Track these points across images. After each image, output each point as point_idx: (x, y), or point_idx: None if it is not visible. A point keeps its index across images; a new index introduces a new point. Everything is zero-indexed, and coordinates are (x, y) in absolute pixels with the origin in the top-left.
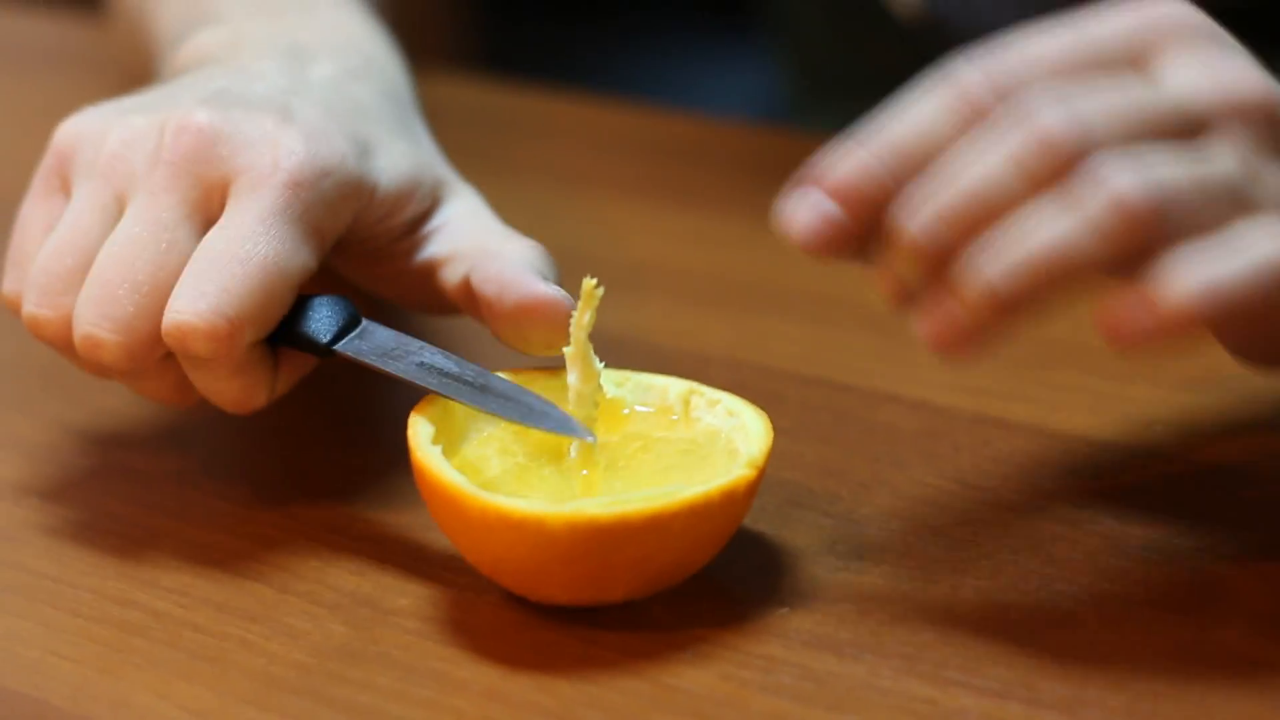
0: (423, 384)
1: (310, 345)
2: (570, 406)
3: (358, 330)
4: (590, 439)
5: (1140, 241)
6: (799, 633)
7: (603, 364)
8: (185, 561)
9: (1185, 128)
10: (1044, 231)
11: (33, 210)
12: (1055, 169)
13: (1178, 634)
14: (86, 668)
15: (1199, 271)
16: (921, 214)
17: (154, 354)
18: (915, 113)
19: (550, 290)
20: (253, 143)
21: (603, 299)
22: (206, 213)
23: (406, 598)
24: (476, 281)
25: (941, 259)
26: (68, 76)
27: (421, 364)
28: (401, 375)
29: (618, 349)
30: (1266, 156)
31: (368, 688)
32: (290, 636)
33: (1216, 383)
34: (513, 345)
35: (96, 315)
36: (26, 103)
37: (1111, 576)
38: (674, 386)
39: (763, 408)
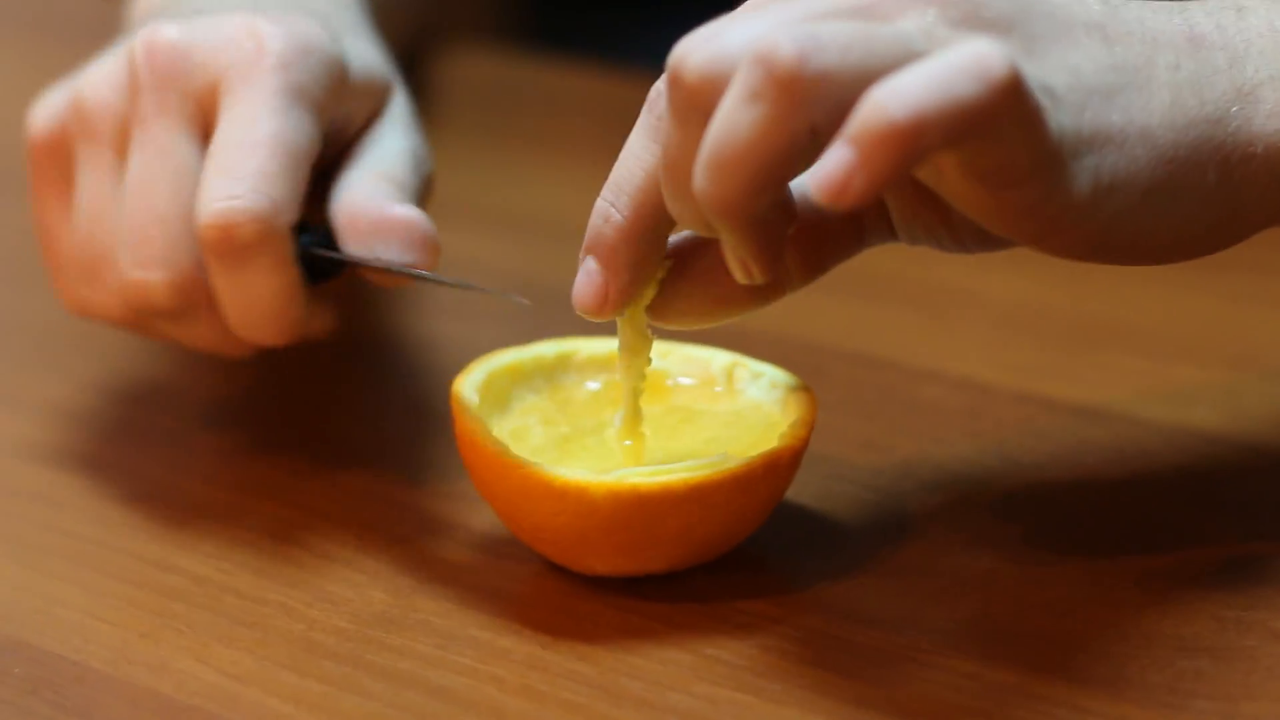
0: (403, 272)
1: None
2: (619, 376)
3: (318, 231)
4: (523, 302)
5: (804, 96)
6: (841, 606)
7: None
8: (226, 527)
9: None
10: (713, 128)
11: (46, 212)
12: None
13: (1220, 612)
14: (127, 631)
15: (871, 92)
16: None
17: (201, 284)
18: (627, 148)
19: (406, 210)
20: (230, 39)
21: None
22: (204, 123)
23: (447, 565)
24: (331, 214)
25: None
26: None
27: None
28: (382, 267)
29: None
30: (956, 28)
31: (407, 654)
32: (330, 603)
33: (1260, 363)
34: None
35: (134, 261)
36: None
37: (1154, 555)
38: (718, 359)
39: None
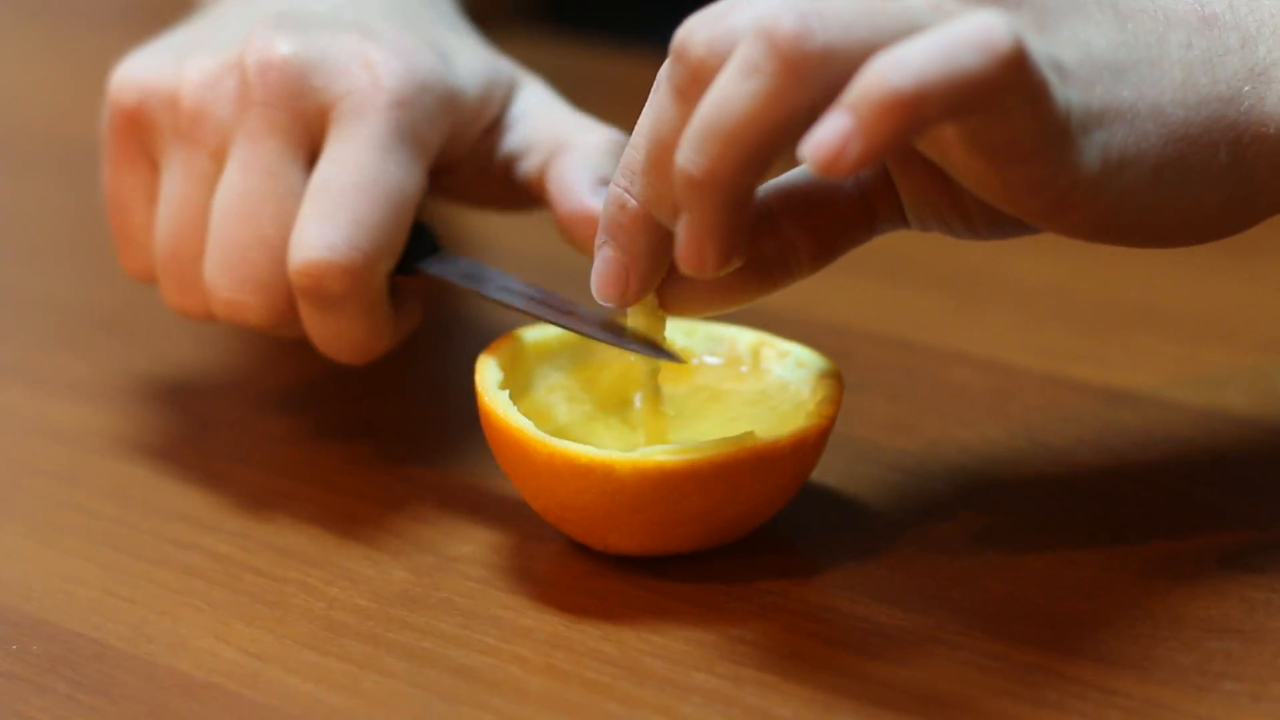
0: (509, 303)
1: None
2: (633, 357)
3: (438, 255)
4: (677, 360)
5: (805, 71)
6: (866, 587)
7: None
8: (247, 506)
9: None
10: (708, 100)
11: (121, 182)
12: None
13: (1249, 594)
14: (145, 609)
15: (874, 60)
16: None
17: (295, 309)
18: (638, 130)
19: (595, 205)
20: (345, 66)
21: None
22: (310, 147)
23: (470, 544)
24: (548, 179)
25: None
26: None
27: (503, 287)
28: (487, 295)
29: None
30: (966, 2)
31: (429, 633)
32: (351, 581)
33: None
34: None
35: (235, 281)
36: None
37: (1183, 537)
38: (743, 338)
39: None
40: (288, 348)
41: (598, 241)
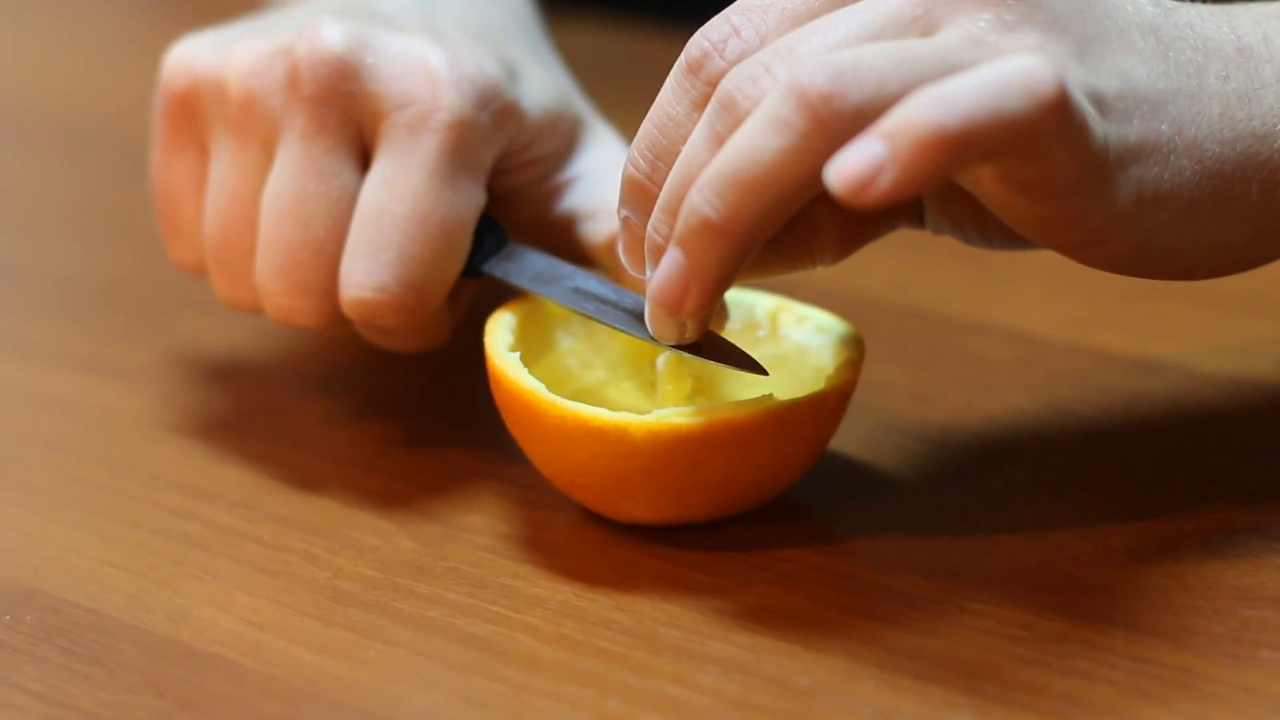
0: (577, 308)
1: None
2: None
3: (504, 251)
4: (762, 372)
5: (836, 127)
6: (888, 556)
7: None
8: (250, 476)
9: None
10: (732, 146)
11: (170, 169)
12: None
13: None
14: (144, 579)
15: (918, 92)
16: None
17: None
18: (657, 105)
19: None
20: (403, 72)
21: None
22: (363, 148)
23: (479, 514)
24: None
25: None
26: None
27: (575, 289)
28: (554, 299)
29: None
30: (1006, 30)
31: (437, 602)
32: (357, 551)
33: None
34: None
35: (288, 285)
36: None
37: (1214, 506)
38: (762, 302)
39: None
40: None
41: (673, 243)
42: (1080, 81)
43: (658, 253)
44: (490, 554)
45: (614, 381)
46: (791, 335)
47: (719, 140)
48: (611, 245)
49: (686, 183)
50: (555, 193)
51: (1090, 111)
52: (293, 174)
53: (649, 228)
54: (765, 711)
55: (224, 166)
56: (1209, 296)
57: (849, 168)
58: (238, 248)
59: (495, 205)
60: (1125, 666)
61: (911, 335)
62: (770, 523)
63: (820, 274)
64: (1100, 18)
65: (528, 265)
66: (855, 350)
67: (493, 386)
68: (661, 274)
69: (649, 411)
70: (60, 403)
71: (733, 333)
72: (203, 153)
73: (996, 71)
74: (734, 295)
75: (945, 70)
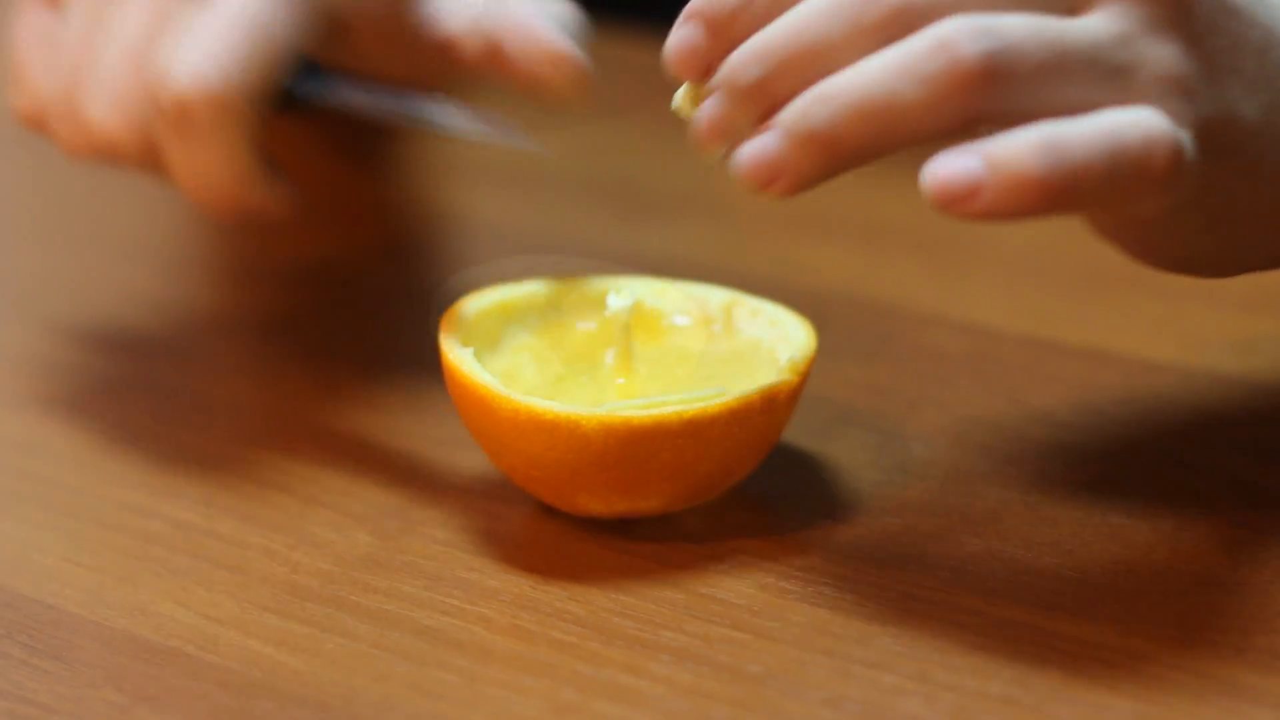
0: (386, 115)
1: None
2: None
3: (319, 81)
4: (539, 149)
5: (975, 101)
6: (840, 545)
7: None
8: (208, 472)
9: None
10: (869, 74)
11: (26, 24)
12: (903, 25)
13: (1232, 548)
14: (104, 575)
15: (1038, 130)
16: (747, 50)
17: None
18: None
19: (571, 49)
20: None
21: (647, 224)
22: None
23: (435, 509)
24: (499, 33)
25: (766, 100)
26: None
27: (412, 109)
28: (367, 110)
29: (662, 272)
30: (1154, 32)
31: (394, 596)
32: (315, 546)
33: (1273, 304)
34: (528, 96)
35: (109, 109)
36: None
37: (1164, 494)
38: (715, 296)
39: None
40: (242, 309)
41: (787, 119)
42: (1194, 115)
43: (736, 94)
44: (446, 547)
45: (570, 376)
46: (746, 330)
47: (858, 12)
48: (487, 53)
49: (816, 50)
50: (425, 20)
51: (1190, 148)
52: (137, 11)
53: (738, 72)
54: (716, 699)
55: (74, 16)
56: (1161, 289)
57: (947, 175)
58: (78, 90)
59: (369, 45)
60: (1072, 650)
61: (867, 328)
62: (724, 514)
63: (775, 267)
64: (1229, 32)
65: (342, 91)
66: (808, 342)
67: (447, 382)
68: (755, 150)
69: (604, 404)
70: (18, 400)
71: (686, 328)
72: (58, 10)
73: (1119, 130)
74: (687, 289)
75: (1091, 60)
